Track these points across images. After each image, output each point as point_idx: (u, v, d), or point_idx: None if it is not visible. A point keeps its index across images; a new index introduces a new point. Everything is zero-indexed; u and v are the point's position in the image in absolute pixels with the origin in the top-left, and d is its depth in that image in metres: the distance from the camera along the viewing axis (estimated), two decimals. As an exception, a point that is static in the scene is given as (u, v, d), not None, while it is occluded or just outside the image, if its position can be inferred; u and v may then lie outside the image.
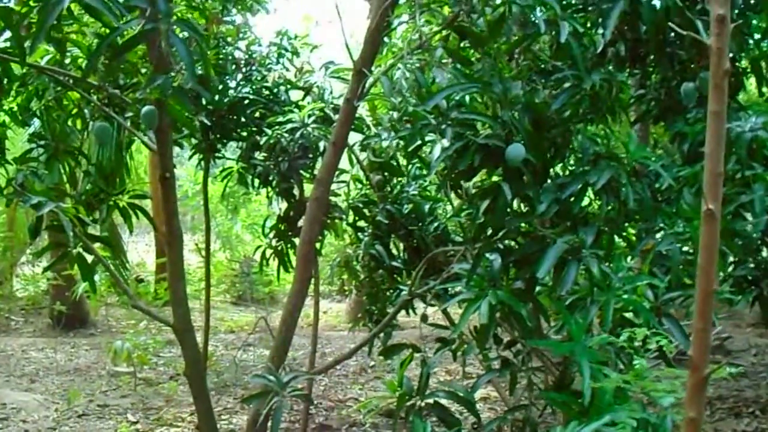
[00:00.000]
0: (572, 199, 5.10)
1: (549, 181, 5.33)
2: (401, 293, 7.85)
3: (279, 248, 9.59)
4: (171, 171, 6.45)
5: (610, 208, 5.14)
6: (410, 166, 8.75)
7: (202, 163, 10.05)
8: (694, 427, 3.59)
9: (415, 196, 8.56)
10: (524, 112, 5.07)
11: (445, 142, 5.17)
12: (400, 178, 8.79)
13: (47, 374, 13.66)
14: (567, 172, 5.61)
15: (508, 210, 5.17)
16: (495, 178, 5.54)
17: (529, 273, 5.20)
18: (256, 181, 9.53)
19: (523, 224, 5.29)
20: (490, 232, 5.39)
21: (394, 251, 8.75)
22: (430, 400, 5.67)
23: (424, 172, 8.68)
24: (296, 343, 15.44)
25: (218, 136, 9.61)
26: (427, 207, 8.54)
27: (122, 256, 16.88)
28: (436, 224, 8.44)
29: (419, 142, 5.53)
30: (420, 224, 8.45)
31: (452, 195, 7.99)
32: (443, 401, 5.82)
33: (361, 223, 8.98)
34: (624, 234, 5.66)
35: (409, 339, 14.96)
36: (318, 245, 9.08)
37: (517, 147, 4.88)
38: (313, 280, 9.03)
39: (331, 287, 22.13)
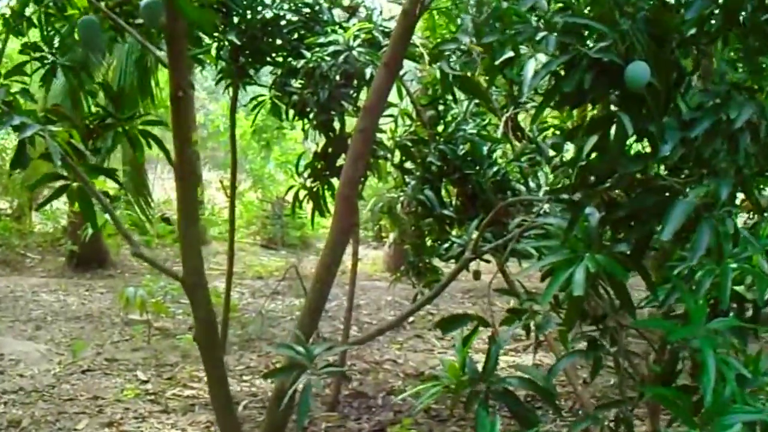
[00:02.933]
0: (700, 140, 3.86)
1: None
2: (453, 245, 6.79)
3: (314, 189, 8.50)
4: (185, 89, 5.21)
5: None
6: (467, 102, 7.76)
7: (230, 90, 8.88)
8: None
9: (472, 135, 7.48)
10: (644, 24, 3.78)
11: (542, 57, 3.96)
12: (455, 115, 7.74)
13: (55, 320, 12.58)
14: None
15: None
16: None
17: (640, 233, 3.95)
18: (291, 113, 8.43)
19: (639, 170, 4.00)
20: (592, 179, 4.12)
21: (446, 198, 7.77)
22: (499, 387, 4.44)
23: (482, 108, 7.82)
24: (330, 293, 14.42)
25: (249, 59, 8.57)
26: (485, 149, 7.48)
27: (146, 193, 15.97)
28: (495, 169, 7.39)
29: (510, 53, 4.30)
30: (477, 168, 7.39)
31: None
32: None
33: (409, 165, 8.03)
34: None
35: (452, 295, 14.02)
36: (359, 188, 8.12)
37: (640, 66, 3.58)
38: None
39: (367, 232, 21.13)
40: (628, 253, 3.99)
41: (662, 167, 4.03)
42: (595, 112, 4.31)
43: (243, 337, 11.43)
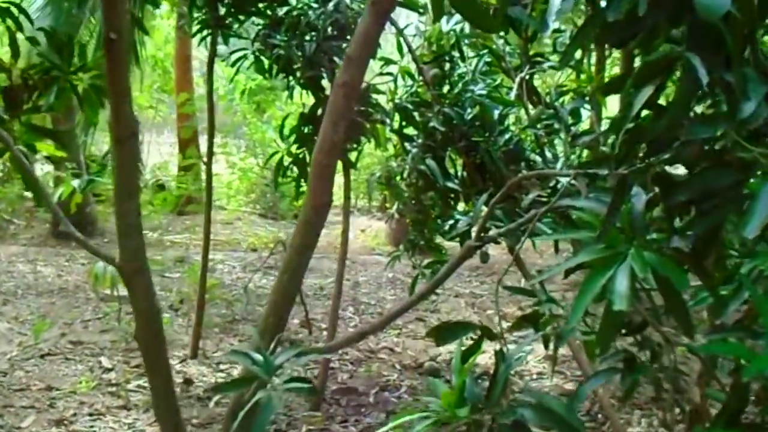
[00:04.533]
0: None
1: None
2: (457, 223, 5.94)
3: (300, 156, 7.60)
4: (119, 30, 4.12)
5: None
6: (476, 59, 6.88)
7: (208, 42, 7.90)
8: None
9: (482, 97, 6.58)
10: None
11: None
12: (462, 75, 6.84)
13: (26, 294, 11.46)
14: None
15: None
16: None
17: (707, 224, 2.84)
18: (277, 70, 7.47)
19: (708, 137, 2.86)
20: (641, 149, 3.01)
21: (451, 169, 6.98)
22: (508, 420, 3.36)
23: (493, 68, 6.99)
24: (326, 267, 13.50)
25: (230, 8, 7.67)
26: (497, 113, 6.61)
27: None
28: (506, 136, 6.56)
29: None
30: (486, 135, 6.56)
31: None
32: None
33: (410, 130, 7.21)
34: None
35: (459, 273, 12.93)
36: (353, 156, 7.54)
37: (715, -10, 2.52)
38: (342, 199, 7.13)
39: (371, 202, 20.22)
40: (687, 250, 2.93)
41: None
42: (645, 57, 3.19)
43: (226, 318, 10.33)
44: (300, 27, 6.98)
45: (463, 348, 3.68)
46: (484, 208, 5.36)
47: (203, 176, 19.59)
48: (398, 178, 7.39)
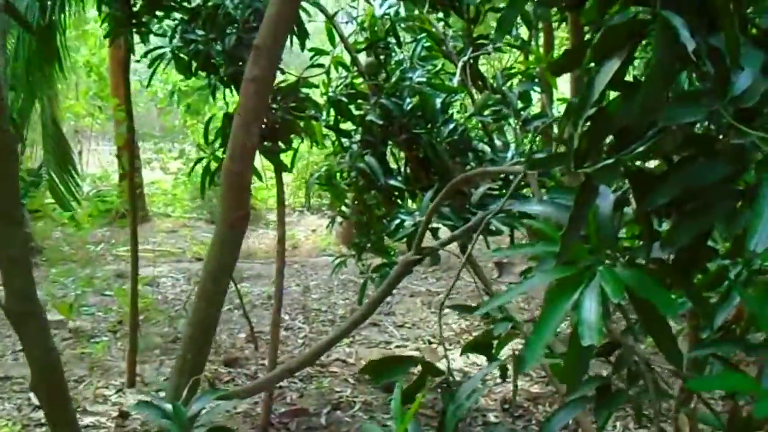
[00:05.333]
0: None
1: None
2: (403, 224, 5.59)
3: None
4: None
5: None
6: (415, 43, 6.51)
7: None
8: None
9: (421, 85, 6.20)
10: None
11: None
12: (399, 61, 6.54)
13: (-52, 325, 10.60)
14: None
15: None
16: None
17: (694, 230, 2.22)
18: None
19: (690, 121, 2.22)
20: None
21: (394, 164, 6.70)
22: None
23: (434, 53, 6.68)
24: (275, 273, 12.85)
25: (146, 4, 7.02)
26: (439, 101, 6.25)
27: (70, 166, 14.29)
28: (451, 126, 6.19)
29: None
30: (428, 126, 6.21)
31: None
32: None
33: (347, 125, 6.88)
34: None
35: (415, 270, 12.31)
36: (290, 157, 7.09)
37: None
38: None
39: (321, 200, 19.64)
40: (670, 261, 2.34)
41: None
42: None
43: (168, 337, 9.61)
44: (218, 19, 6.42)
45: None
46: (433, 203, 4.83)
47: (145, 182, 19.22)
48: (339, 177, 6.95)
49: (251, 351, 9.07)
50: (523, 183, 3.59)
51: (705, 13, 2.00)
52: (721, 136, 2.10)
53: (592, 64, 2.08)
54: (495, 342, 3.37)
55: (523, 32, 7.33)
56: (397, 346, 9.24)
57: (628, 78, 2.18)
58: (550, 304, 2.21)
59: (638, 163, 2.26)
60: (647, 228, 2.31)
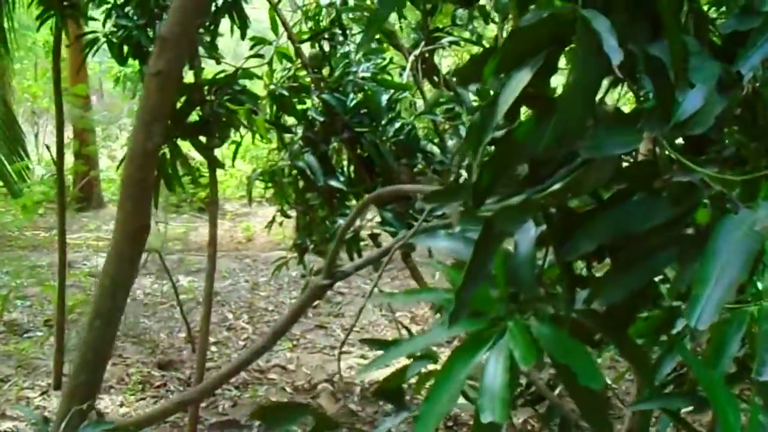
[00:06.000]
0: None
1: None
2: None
3: (161, 154, 6.32)
4: None
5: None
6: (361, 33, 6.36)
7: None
8: None
9: (366, 80, 5.97)
10: None
11: None
12: (346, 53, 6.30)
13: None
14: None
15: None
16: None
17: (627, 286, 1.79)
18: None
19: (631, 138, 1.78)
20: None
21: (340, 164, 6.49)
22: None
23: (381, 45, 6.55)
24: (224, 268, 12.46)
25: None
26: (385, 98, 5.97)
27: (20, 149, 13.80)
28: (397, 125, 5.92)
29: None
30: (373, 124, 5.94)
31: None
32: None
33: (290, 120, 6.56)
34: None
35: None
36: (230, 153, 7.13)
37: None
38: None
39: (251, 200, 19.31)
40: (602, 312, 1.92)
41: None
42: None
43: (108, 334, 9.21)
44: (149, 4, 6.03)
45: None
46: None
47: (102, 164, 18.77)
48: (282, 175, 6.61)
49: (189, 353, 8.64)
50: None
51: (644, 14, 1.57)
52: (661, 172, 1.66)
53: (499, 76, 1.64)
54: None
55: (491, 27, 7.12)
56: (342, 352, 8.83)
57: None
58: (448, 367, 1.79)
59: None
60: (569, 278, 1.88)
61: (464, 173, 4.28)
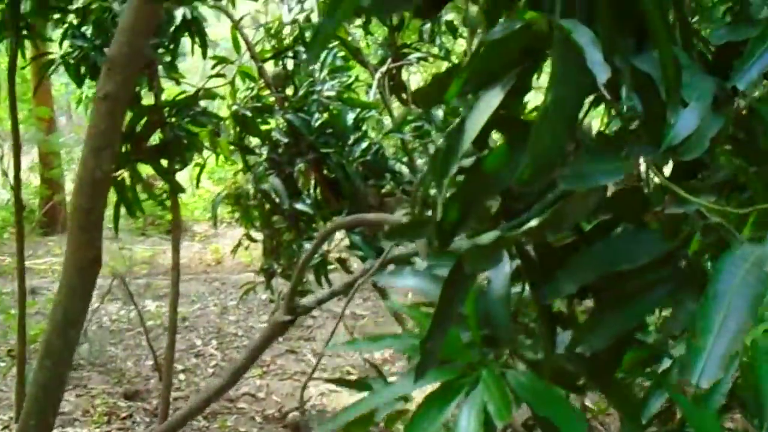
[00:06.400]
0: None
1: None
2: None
3: (119, 179, 6.23)
4: None
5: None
6: (327, 53, 6.12)
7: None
8: None
9: (331, 99, 5.95)
10: None
11: None
12: (310, 72, 6.17)
13: None
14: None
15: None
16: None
17: (613, 329, 1.59)
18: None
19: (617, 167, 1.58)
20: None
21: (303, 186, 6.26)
22: None
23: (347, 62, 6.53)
24: (194, 291, 12.24)
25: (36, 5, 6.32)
26: (351, 117, 5.97)
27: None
28: (364, 144, 5.91)
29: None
30: (339, 144, 5.93)
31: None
32: None
33: (255, 141, 6.50)
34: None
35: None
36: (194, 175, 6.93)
37: None
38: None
39: (217, 223, 19.16)
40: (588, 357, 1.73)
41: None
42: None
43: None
44: (106, 23, 5.85)
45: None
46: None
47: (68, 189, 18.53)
48: (247, 197, 6.51)
49: (156, 381, 8.41)
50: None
51: (630, 24, 1.38)
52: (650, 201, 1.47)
53: (467, 96, 1.44)
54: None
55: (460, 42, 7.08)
56: (313, 378, 8.63)
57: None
58: (416, 421, 1.60)
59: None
60: (548, 321, 1.68)
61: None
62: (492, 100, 1.35)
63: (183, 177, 6.62)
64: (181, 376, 8.47)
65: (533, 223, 1.36)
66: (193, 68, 6.94)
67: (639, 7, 1.34)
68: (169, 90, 6.42)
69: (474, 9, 6.97)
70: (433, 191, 1.43)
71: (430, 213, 1.56)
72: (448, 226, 1.43)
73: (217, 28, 6.41)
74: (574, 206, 1.38)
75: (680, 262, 1.51)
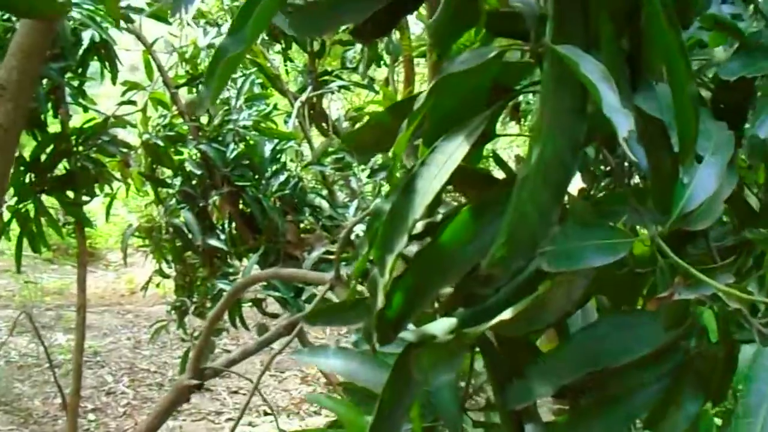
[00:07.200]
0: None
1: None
2: (222, 293, 5.16)
3: (23, 211, 5.96)
4: None
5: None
6: (243, 78, 6.05)
7: None
8: None
9: (248, 128, 5.78)
10: None
11: None
12: (225, 100, 5.97)
13: None
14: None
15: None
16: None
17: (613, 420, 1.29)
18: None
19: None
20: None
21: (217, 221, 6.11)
22: None
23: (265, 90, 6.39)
24: (106, 324, 11.87)
25: None
26: (268, 148, 5.83)
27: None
28: (283, 177, 5.75)
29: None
30: (256, 177, 5.77)
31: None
32: None
33: (167, 172, 6.26)
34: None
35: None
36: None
37: None
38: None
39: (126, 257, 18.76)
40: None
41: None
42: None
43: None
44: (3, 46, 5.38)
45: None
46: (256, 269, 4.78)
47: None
48: (160, 232, 6.25)
49: (64, 421, 8.07)
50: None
51: (628, 50, 1.06)
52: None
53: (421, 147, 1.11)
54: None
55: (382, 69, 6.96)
56: (228, 419, 8.30)
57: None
58: None
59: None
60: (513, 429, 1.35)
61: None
62: (456, 151, 1.01)
63: (97, 204, 6.30)
64: (91, 416, 8.18)
65: (506, 315, 1.02)
66: (110, 93, 6.66)
67: (644, 28, 1.02)
68: (83, 117, 6.13)
69: (397, 36, 6.77)
70: (372, 267, 1.09)
71: (364, 290, 1.21)
72: (392, 317, 1.09)
73: (137, 53, 6.15)
74: (558, 293, 1.05)
75: (681, 356, 1.20)
